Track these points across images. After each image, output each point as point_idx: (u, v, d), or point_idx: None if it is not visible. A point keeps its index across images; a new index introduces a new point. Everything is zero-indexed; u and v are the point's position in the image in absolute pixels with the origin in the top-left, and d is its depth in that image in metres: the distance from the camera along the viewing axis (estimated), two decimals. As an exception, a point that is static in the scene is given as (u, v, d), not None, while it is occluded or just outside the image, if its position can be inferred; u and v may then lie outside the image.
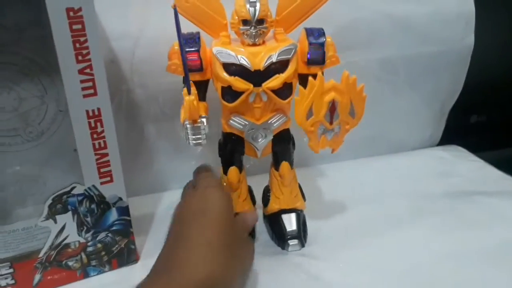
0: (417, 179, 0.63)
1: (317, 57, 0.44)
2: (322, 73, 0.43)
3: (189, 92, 0.40)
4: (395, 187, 0.61)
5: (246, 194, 0.51)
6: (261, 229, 0.52)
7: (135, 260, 0.48)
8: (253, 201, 0.52)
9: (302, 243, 0.49)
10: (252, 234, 0.50)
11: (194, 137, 0.41)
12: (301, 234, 0.50)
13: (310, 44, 0.44)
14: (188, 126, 0.41)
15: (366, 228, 0.52)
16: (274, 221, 0.51)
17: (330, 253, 0.48)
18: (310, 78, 0.41)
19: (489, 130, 0.83)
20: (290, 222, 0.50)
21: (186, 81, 0.40)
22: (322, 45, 0.44)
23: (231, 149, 0.48)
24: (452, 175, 0.64)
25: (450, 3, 0.63)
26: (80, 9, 0.36)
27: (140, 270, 0.47)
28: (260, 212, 0.53)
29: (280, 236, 0.50)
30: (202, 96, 0.45)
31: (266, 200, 0.52)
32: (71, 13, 0.36)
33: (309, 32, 0.44)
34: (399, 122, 0.69)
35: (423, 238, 0.50)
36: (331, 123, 0.43)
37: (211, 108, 0.45)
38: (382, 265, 0.46)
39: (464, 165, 0.67)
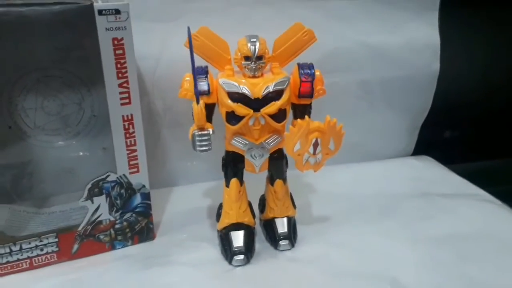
0: (389, 182, 0.73)
1: (307, 92, 0.50)
2: (311, 103, 0.52)
3: (198, 102, 0.46)
4: (370, 188, 0.71)
5: (246, 206, 0.55)
6: (258, 231, 0.58)
7: (152, 238, 0.57)
8: (253, 215, 0.57)
9: (292, 243, 0.55)
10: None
11: (200, 143, 0.47)
12: (291, 235, 0.55)
13: (301, 81, 0.50)
14: (196, 133, 0.47)
15: (342, 219, 0.61)
16: (268, 225, 0.57)
17: (311, 236, 0.57)
18: (298, 120, 0.47)
19: (462, 144, 0.92)
20: (282, 225, 0.56)
21: (195, 92, 0.45)
22: (311, 82, 0.50)
23: (233, 165, 0.53)
24: (418, 180, 0.74)
25: (419, 35, 0.73)
26: (122, 39, 0.47)
27: (156, 245, 0.56)
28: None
29: (273, 237, 0.55)
30: (209, 119, 0.50)
31: (262, 207, 0.59)
32: (116, 42, 0.47)
33: (301, 66, 0.50)
34: (376, 134, 0.79)
35: (389, 228, 0.60)
36: (314, 153, 0.49)
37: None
38: (353, 244, 0.56)
39: (431, 172, 0.78)
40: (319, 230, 0.59)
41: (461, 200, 0.67)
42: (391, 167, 0.79)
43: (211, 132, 0.47)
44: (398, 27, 0.73)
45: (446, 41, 0.75)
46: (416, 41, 0.73)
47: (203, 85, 0.49)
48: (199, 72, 0.49)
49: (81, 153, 0.61)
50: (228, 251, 0.53)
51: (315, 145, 0.48)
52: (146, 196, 0.54)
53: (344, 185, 0.72)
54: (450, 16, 0.75)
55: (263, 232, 0.58)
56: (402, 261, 0.53)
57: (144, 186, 0.54)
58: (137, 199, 0.54)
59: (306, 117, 0.47)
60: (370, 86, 0.74)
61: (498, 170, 0.93)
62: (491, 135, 0.93)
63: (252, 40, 0.48)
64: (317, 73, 0.51)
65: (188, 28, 0.44)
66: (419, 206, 0.66)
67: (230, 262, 0.52)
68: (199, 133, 0.47)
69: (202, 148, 0.47)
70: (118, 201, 0.53)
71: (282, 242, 0.55)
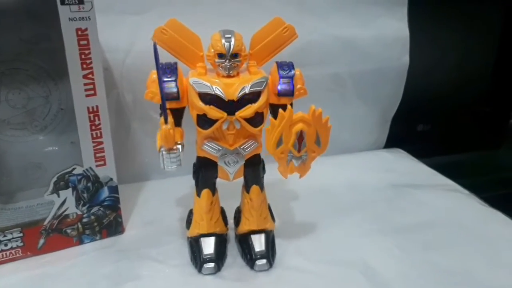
0: (360, 174, 0.73)
1: (287, 90, 0.46)
2: (291, 104, 0.47)
3: (166, 122, 0.42)
4: (342, 180, 0.71)
5: (218, 215, 0.51)
6: (233, 246, 0.54)
7: (121, 231, 0.56)
8: (225, 222, 0.53)
9: (270, 263, 0.50)
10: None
11: (169, 163, 0.43)
12: (269, 254, 0.50)
13: (280, 77, 0.46)
14: (164, 153, 0.43)
15: (313, 211, 0.62)
16: (244, 241, 0.51)
17: (282, 228, 0.57)
18: (280, 110, 0.42)
19: (433, 138, 0.93)
20: (259, 243, 0.51)
21: (163, 110, 0.41)
22: (291, 78, 0.46)
23: (205, 172, 0.49)
24: (389, 171, 0.75)
25: (388, 29, 0.74)
26: (86, 29, 0.46)
27: (125, 239, 0.55)
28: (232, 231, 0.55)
29: (249, 256, 0.50)
30: (178, 122, 0.46)
31: (237, 220, 0.54)
32: (80, 32, 0.46)
33: (280, 65, 0.47)
34: (348, 127, 0.79)
35: (362, 219, 0.61)
36: (299, 151, 0.44)
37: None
38: (324, 234, 0.57)
39: (402, 164, 0.79)
40: (290, 222, 0.60)
41: (430, 190, 0.69)
42: (362, 160, 0.80)
43: (180, 150, 0.43)
44: (369, 21, 0.74)
45: (416, 35, 0.76)
46: (386, 35, 0.75)
47: (171, 89, 0.44)
48: (168, 74, 0.44)
49: (50, 148, 0.60)
50: (198, 258, 0.49)
51: (300, 139, 0.44)
52: (114, 190, 0.54)
53: (316, 178, 0.70)
54: (419, 11, 0.76)
55: (238, 249, 0.53)
56: (371, 248, 0.54)
57: (111, 179, 0.53)
58: (105, 193, 0.53)
59: (289, 106, 0.43)
60: (342, 79, 0.75)
61: (468, 163, 0.95)
62: (461, 129, 0.95)
63: (226, 36, 0.44)
64: (297, 73, 0.47)
65: (154, 44, 0.40)
66: (390, 197, 0.67)
67: (199, 270, 0.49)
68: (167, 153, 0.43)
69: (170, 167, 0.43)
70: (85, 195, 0.52)
71: (259, 262, 0.49)
